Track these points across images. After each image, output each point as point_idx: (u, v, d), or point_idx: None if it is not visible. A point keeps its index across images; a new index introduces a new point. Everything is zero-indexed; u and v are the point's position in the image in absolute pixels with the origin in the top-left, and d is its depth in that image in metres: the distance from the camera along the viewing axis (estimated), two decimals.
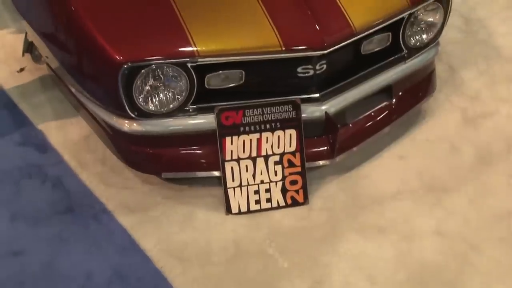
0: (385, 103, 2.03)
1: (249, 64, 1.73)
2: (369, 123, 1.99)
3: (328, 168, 1.98)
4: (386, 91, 2.02)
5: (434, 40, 2.06)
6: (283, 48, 1.70)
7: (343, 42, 1.77)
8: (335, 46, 1.75)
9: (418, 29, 2.01)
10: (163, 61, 1.63)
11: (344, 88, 1.89)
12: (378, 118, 2.01)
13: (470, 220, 1.88)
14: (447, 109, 2.31)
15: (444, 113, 2.29)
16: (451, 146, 2.15)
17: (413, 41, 2.00)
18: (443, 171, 2.04)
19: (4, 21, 2.71)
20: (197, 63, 1.65)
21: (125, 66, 1.59)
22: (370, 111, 2.00)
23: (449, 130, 2.22)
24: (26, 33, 2.28)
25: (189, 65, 1.65)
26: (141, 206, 1.87)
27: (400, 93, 2.05)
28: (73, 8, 1.69)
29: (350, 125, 1.94)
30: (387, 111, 2.03)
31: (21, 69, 2.42)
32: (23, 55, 2.43)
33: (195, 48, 1.64)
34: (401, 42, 1.96)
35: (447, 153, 2.12)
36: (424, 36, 2.02)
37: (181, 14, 1.68)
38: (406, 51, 1.99)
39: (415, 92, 2.14)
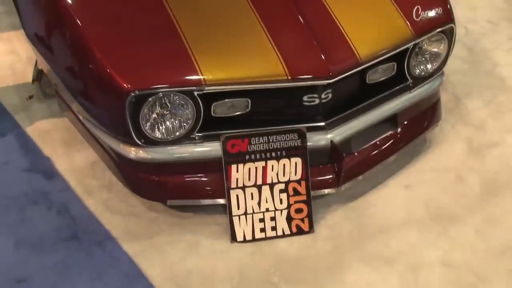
0: (390, 132, 2.04)
1: (255, 93, 1.75)
2: (374, 152, 1.99)
3: (333, 197, 1.98)
4: (392, 120, 2.03)
5: (439, 70, 2.08)
6: (289, 77, 1.71)
7: (348, 72, 1.79)
8: (340, 75, 1.77)
9: (423, 59, 2.03)
10: (170, 89, 1.65)
11: (350, 117, 1.90)
12: (383, 147, 2.01)
13: (477, 251, 1.86)
14: (453, 139, 2.31)
15: (450, 143, 2.29)
16: (457, 175, 2.14)
17: (418, 71, 2.02)
18: (449, 200, 2.03)
19: (15, 50, 2.76)
20: (204, 92, 1.67)
21: (133, 94, 1.61)
22: (376, 140, 2.01)
23: (455, 160, 2.21)
24: (36, 61, 2.32)
25: (195, 93, 1.67)
26: (146, 234, 1.87)
27: (406, 122, 2.06)
28: (82, 37, 1.72)
29: (356, 153, 1.94)
30: (392, 140, 2.04)
31: (30, 97, 2.46)
32: (32, 82, 2.47)
33: (201, 77, 1.66)
34: (406, 71, 1.98)
35: (453, 182, 2.11)
36: (429, 66, 2.04)
37: (188, 43, 1.71)
38: (411, 81, 2.01)
39: (421, 121, 2.15)
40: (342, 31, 1.84)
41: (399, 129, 2.05)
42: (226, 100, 1.74)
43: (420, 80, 2.03)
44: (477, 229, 1.93)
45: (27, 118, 2.34)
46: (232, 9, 1.84)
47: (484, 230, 1.92)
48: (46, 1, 1.89)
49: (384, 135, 2.03)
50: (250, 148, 1.79)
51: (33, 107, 2.40)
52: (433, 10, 1.96)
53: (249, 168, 1.79)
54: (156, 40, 1.73)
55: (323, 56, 1.76)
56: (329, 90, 1.80)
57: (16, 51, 2.75)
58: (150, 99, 1.64)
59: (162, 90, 1.64)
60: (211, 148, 1.77)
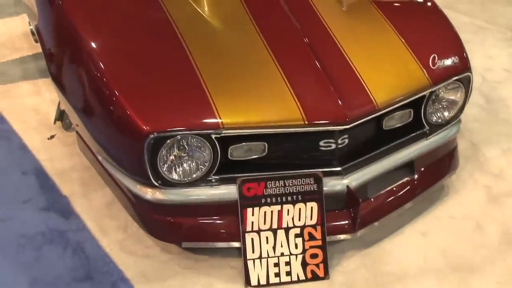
0: (407, 179, 2.02)
1: (272, 137, 1.76)
2: (391, 198, 1.98)
3: (349, 243, 1.95)
4: (408, 166, 2.02)
5: (455, 118, 2.08)
6: (306, 122, 1.73)
7: (365, 118, 1.80)
8: (357, 121, 1.78)
9: (440, 106, 2.04)
10: (188, 132, 1.67)
11: (366, 163, 1.90)
12: (400, 193, 2.00)
13: None
14: (471, 187, 2.29)
15: (468, 191, 2.26)
16: (475, 224, 2.10)
17: (435, 118, 2.03)
18: (468, 250, 1.99)
19: (40, 91, 2.84)
20: (221, 135, 1.69)
21: (151, 136, 1.63)
22: (392, 186, 1.99)
23: (473, 208, 2.18)
24: (59, 102, 2.39)
25: (213, 136, 1.69)
26: (160, 276, 1.85)
27: (422, 169, 2.05)
28: (103, 78, 1.76)
29: (372, 199, 1.93)
30: (409, 187, 2.02)
31: (52, 136, 2.51)
32: (54, 123, 2.53)
33: (219, 120, 1.68)
34: (423, 118, 1.98)
35: (472, 231, 2.07)
36: (446, 114, 2.05)
37: (207, 86, 1.74)
38: (428, 128, 2.01)
39: (438, 169, 2.14)
40: (359, 77, 1.86)
41: (416, 176, 2.03)
42: (243, 143, 1.75)
43: (437, 127, 2.04)
44: (498, 281, 1.87)
45: (48, 158, 2.38)
46: (251, 54, 1.88)
47: (505, 282, 1.87)
48: (70, 44, 1.95)
49: (400, 181, 2.01)
50: (266, 192, 1.79)
51: (54, 147, 2.45)
52: (450, 59, 1.98)
53: (265, 212, 1.79)
54: (175, 83, 1.77)
55: (340, 102, 1.77)
56: (346, 136, 1.81)
57: (41, 92, 2.83)
58: (168, 141, 1.66)
59: (180, 132, 1.66)
60: (227, 191, 1.77)
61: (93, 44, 1.84)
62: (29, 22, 2.72)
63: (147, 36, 1.90)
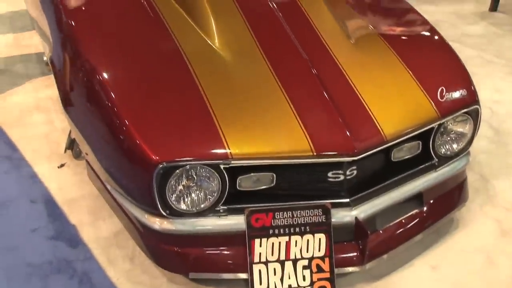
0: (416, 211, 2.01)
1: (280, 168, 1.77)
2: (400, 230, 1.96)
3: (357, 275, 1.93)
4: (417, 198, 2.00)
5: (464, 150, 2.07)
6: (314, 153, 1.73)
7: (373, 149, 1.81)
8: (365, 152, 1.78)
9: (448, 138, 2.04)
10: (197, 162, 1.68)
11: (375, 194, 1.89)
12: (409, 226, 1.98)
13: None
14: (481, 220, 2.26)
15: (478, 224, 2.24)
16: (487, 258, 2.07)
17: (444, 150, 2.03)
18: (479, 284, 1.96)
19: (51, 120, 2.88)
20: (230, 165, 1.70)
21: (161, 166, 1.64)
22: (401, 218, 1.98)
23: (484, 241, 2.15)
24: (70, 131, 2.42)
25: (222, 166, 1.69)
26: None
27: (432, 201, 2.04)
28: (114, 108, 1.77)
29: (381, 231, 1.91)
30: (418, 219, 2.01)
31: (62, 165, 2.53)
32: (65, 151, 2.56)
33: (228, 151, 1.69)
34: (431, 150, 1.98)
35: (483, 265, 2.04)
36: (455, 146, 2.05)
37: (216, 116, 1.75)
38: (437, 160, 2.01)
39: (447, 201, 2.12)
40: (367, 108, 1.87)
41: (425, 208, 2.02)
42: (252, 174, 1.76)
43: (445, 159, 2.03)
44: None
45: (57, 186, 2.40)
46: (260, 85, 1.90)
47: None
48: (82, 74, 1.98)
49: (409, 214, 2.00)
50: (274, 223, 1.78)
51: (63, 176, 2.47)
52: (458, 91, 1.99)
53: (273, 243, 1.78)
54: (185, 113, 1.78)
55: (348, 133, 1.78)
56: (354, 167, 1.81)
57: (52, 121, 2.87)
58: (177, 171, 1.67)
59: (189, 162, 1.67)
60: (235, 222, 1.77)
61: (105, 74, 1.87)
62: (44, 53, 2.78)
63: (157, 66, 1.93)
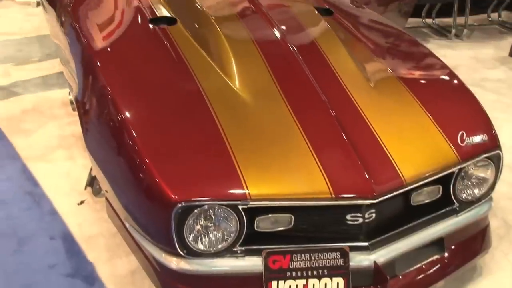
0: (436, 256, 1.97)
1: (298, 209, 1.76)
2: (420, 276, 1.91)
3: None
4: (438, 243, 1.96)
5: (486, 195, 2.04)
6: (333, 196, 1.72)
7: (392, 193, 1.79)
8: (384, 196, 1.77)
9: (469, 183, 2.01)
10: (215, 202, 1.68)
11: (394, 238, 1.86)
12: (430, 272, 1.93)
13: None
14: (505, 268, 2.20)
15: (503, 272, 2.18)
16: None
17: (465, 195, 2.00)
18: None
19: (73, 156, 2.93)
20: (248, 206, 1.70)
21: (179, 205, 1.65)
22: (422, 264, 1.94)
23: None
24: (91, 168, 2.45)
25: (240, 207, 1.69)
26: None
27: (453, 247, 2.00)
28: (135, 147, 1.80)
29: (400, 277, 1.87)
30: (439, 265, 1.96)
31: (81, 202, 2.56)
32: (85, 188, 2.58)
33: (247, 191, 1.69)
34: (452, 195, 1.96)
35: None
36: (476, 191, 2.02)
37: (235, 157, 1.76)
38: (458, 205, 1.98)
39: (469, 247, 2.08)
40: (386, 151, 1.86)
41: (446, 254, 1.98)
42: (270, 215, 1.75)
43: (467, 204, 2.00)
44: None
45: (76, 223, 2.41)
46: (279, 126, 1.91)
47: None
48: (105, 113, 2.02)
49: (430, 259, 1.95)
50: (291, 265, 1.76)
51: (83, 212, 2.49)
52: (478, 136, 1.98)
53: (290, 286, 1.75)
54: (205, 153, 1.79)
55: (367, 176, 1.77)
56: (373, 210, 1.79)
57: (74, 158, 2.92)
58: (196, 210, 1.68)
59: (208, 202, 1.67)
60: (252, 263, 1.75)
61: (127, 113, 1.91)
62: (69, 92, 2.85)
63: (179, 106, 1.97)
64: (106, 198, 2.24)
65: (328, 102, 1.99)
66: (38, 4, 5.36)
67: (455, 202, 1.97)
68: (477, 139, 1.98)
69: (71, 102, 2.73)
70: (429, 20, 5.53)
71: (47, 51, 4.43)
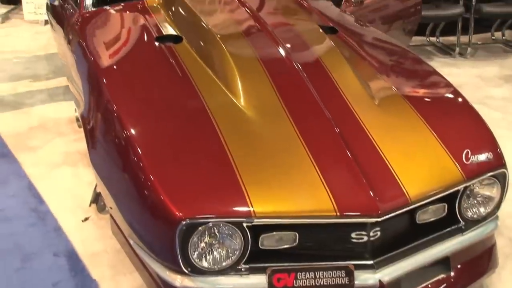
0: (442, 275, 1.94)
1: (303, 227, 1.75)
2: None
3: None
4: (444, 262, 1.95)
5: (492, 214, 2.03)
6: (338, 214, 1.72)
7: (397, 211, 1.78)
8: (389, 214, 1.76)
9: (475, 202, 2.00)
10: (220, 219, 1.68)
11: (399, 257, 1.84)
12: None
13: None
14: None
15: None
16: None
17: (470, 213, 1.98)
18: None
19: (78, 173, 2.94)
20: (253, 223, 1.69)
21: (184, 222, 1.65)
22: (427, 283, 1.92)
23: None
24: (96, 185, 2.46)
25: (245, 224, 1.69)
26: None
27: (459, 266, 1.98)
28: (139, 162, 1.81)
29: None
30: (445, 284, 1.94)
31: (86, 219, 2.56)
32: (90, 205, 2.59)
33: (251, 209, 1.68)
34: (457, 213, 1.95)
35: None
36: (482, 209, 2.00)
37: (240, 174, 1.76)
38: (463, 223, 1.96)
39: (475, 266, 2.06)
40: (391, 169, 1.86)
41: (452, 273, 1.96)
42: (274, 233, 1.74)
43: (473, 223, 1.98)
44: None
45: (80, 240, 2.41)
46: (283, 143, 1.91)
47: None
48: (110, 130, 2.04)
49: (436, 278, 1.93)
50: (296, 283, 1.74)
51: (87, 229, 2.49)
52: (483, 154, 1.97)
53: None
54: (209, 170, 1.80)
55: (372, 194, 1.76)
56: (378, 228, 1.78)
57: (79, 175, 2.93)
58: (200, 228, 1.67)
59: (212, 220, 1.67)
60: (257, 281, 1.73)
61: (132, 130, 1.92)
62: (75, 109, 2.88)
63: (184, 124, 1.98)
64: (111, 215, 2.24)
65: (332, 120, 1.99)
66: (46, 22, 5.44)
67: (461, 221, 1.96)
68: (482, 157, 1.97)
69: (77, 119, 2.75)
70: (433, 39, 5.57)
71: (54, 69, 4.48)
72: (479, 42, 5.58)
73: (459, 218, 1.95)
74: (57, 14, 3.36)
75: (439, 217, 1.93)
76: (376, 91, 2.24)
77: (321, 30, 2.56)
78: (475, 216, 1.99)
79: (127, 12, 2.82)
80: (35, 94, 4.02)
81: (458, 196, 1.92)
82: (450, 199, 1.92)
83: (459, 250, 1.95)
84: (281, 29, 2.51)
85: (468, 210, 1.98)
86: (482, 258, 2.08)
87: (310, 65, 2.29)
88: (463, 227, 1.96)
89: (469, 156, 1.95)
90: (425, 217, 1.91)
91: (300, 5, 2.99)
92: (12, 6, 6.32)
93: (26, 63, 4.65)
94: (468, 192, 1.95)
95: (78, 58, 2.56)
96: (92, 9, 2.88)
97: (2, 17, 5.92)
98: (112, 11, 2.85)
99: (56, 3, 3.21)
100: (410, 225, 1.91)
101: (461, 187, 1.90)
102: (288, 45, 2.37)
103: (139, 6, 2.83)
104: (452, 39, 5.37)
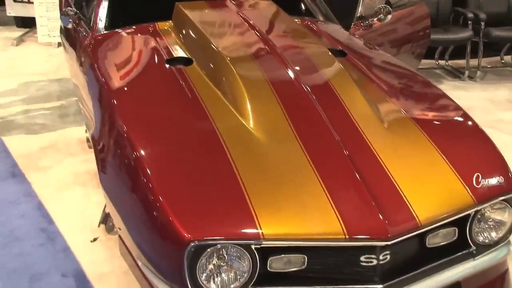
0: None
1: (312, 250, 1.74)
2: None
3: None
4: (455, 287, 1.92)
5: (504, 239, 1.99)
6: (347, 237, 1.71)
7: (407, 234, 1.76)
8: (399, 237, 1.74)
9: (486, 226, 1.97)
10: (229, 241, 1.67)
11: (409, 281, 1.82)
12: None
13: None
14: None
15: None
16: None
17: (482, 238, 1.96)
18: None
19: (87, 194, 2.95)
20: (261, 246, 1.68)
21: (192, 244, 1.64)
22: None
23: None
24: (105, 206, 2.46)
25: (253, 247, 1.68)
26: None
27: None
28: (148, 183, 1.81)
29: None
30: None
31: (95, 239, 2.56)
32: (99, 225, 2.59)
33: (260, 231, 1.68)
34: (468, 238, 1.92)
35: None
36: (493, 234, 1.98)
37: (249, 196, 1.76)
38: (475, 248, 1.94)
39: None
40: (401, 192, 1.85)
41: None
42: (283, 255, 1.73)
43: (484, 247, 1.96)
44: None
45: (88, 260, 2.41)
46: (293, 165, 1.91)
47: None
48: (120, 151, 2.05)
49: None
50: None
51: (95, 250, 2.49)
52: (494, 178, 1.95)
53: None
54: (218, 192, 1.80)
55: (381, 217, 1.75)
56: (388, 252, 1.77)
57: (88, 195, 2.94)
58: (208, 249, 1.67)
59: (221, 241, 1.66)
60: None
61: (142, 151, 1.93)
62: (85, 130, 2.91)
63: (193, 145, 1.98)
64: (119, 236, 2.24)
65: (341, 142, 1.99)
66: (59, 45, 5.53)
67: (472, 245, 1.94)
68: (493, 181, 1.95)
69: (88, 140, 2.77)
70: (442, 62, 5.58)
71: (65, 90, 4.54)
72: (488, 66, 5.58)
73: (470, 242, 1.93)
74: (70, 36, 3.41)
75: (450, 241, 1.91)
76: (385, 113, 2.24)
77: (330, 53, 2.57)
78: (487, 240, 1.97)
79: (139, 34, 2.86)
80: (46, 115, 4.07)
81: (469, 220, 1.91)
82: (461, 223, 1.90)
83: (471, 275, 1.92)
84: (290, 52, 2.53)
85: (479, 234, 1.96)
86: (494, 284, 2.05)
87: (319, 88, 2.30)
88: (474, 251, 1.94)
89: (479, 180, 1.93)
90: (435, 241, 1.89)
91: (309, 28, 3.02)
92: (27, 29, 6.44)
93: (38, 84, 4.72)
94: (479, 216, 1.93)
95: (89, 79, 2.59)
96: (104, 31, 2.93)
97: (17, 40, 6.03)
98: (123, 33, 2.90)
99: (70, 26, 3.26)
100: (420, 249, 1.89)
101: (472, 211, 1.89)
102: (297, 68, 2.39)
103: (150, 29, 2.87)
104: (461, 62, 5.38)
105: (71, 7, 3.37)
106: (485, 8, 5.31)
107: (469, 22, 5.13)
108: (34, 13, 5.76)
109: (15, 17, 6.50)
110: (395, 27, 3.87)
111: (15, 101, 4.32)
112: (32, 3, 5.83)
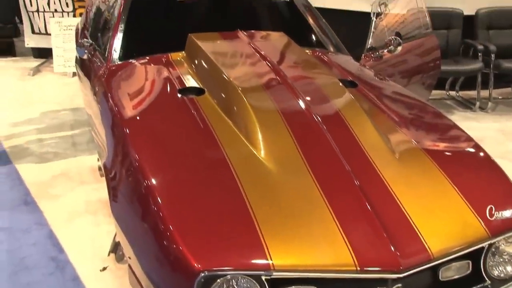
0: None
1: (323, 281, 1.71)
2: None
3: None
4: None
5: None
6: (358, 268, 1.69)
7: (419, 267, 1.74)
8: (411, 270, 1.72)
9: (501, 260, 1.94)
10: (239, 272, 1.66)
11: None
12: None
13: None
14: None
15: None
16: None
17: (497, 272, 1.92)
18: None
19: (98, 222, 2.95)
20: (271, 277, 1.67)
21: (202, 274, 1.63)
22: None
23: None
24: (115, 234, 2.46)
25: (263, 277, 1.66)
26: None
27: None
28: (159, 212, 1.81)
29: None
30: None
31: (104, 268, 2.55)
32: (108, 254, 2.58)
33: (270, 262, 1.66)
34: (482, 272, 1.89)
35: None
36: (509, 268, 1.94)
37: (260, 226, 1.75)
38: (490, 282, 1.90)
39: None
40: (412, 224, 1.83)
41: None
42: (293, 287, 1.71)
43: (500, 282, 1.92)
44: None
45: None
46: (303, 196, 1.90)
47: None
48: (131, 180, 2.06)
49: None
50: None
51: (105, 279, 2.47)
52: (508, 210, 1.93)
53: None
54: (229, 222, 1.79)
55: (393, 249, 1.73)
56: (400, 285, 1.74)
57: (99, 224, 2.94)
58: (218, 280, 1.65)
59: (231, 272, 1.65)
60: None
61: (153, 180, 1.94)
62: (97, 159, 2.92)
63: (204, 175, 1.99)
64: (129, 265, 2.22)
65: (352, 172, 1.99)
66: (74, 74, 5.64)
67: (487, 280, 1.90)
68: (507, 213, 1.93)
69: (99, 168, 2.79)
70: (452, 93, 5.58)
71: (79, 119, 4.60)
72: (499, 97, 5.57)
73: (485, 277, 1.89)
74: (85, 66, 3.48)
75: (463, 275, 1.88)
76: (396, 144, 2.24)
77: (340, 84, 2.59)
78: (502, 275, 1.93)
79: (152, 65, 2.91)
80: (59, 143, 4.11)
81: (483, 254, 1.88)
82: (475, 257, 1.87)
83: None
84: (301, 82, 2.55)
85: (494, 268, 1.92)
86: None
87: (330, 118, 2.31)
88: (489, 286, 1.90)
89: (493, 212, 1.91)
90: (448, 274, 1.85)
91: (320, 59, 3.05)
92: (43, 60, 6.59)
93: (53, 113, 4.79)
94: (493, 249, 1.90)
95: (103, 108, 2.63)
96: (118, 62, 2.98)
97: (34, 70, 6.17)
98: (137, 64, 2.95)
99: (85, 56, 3.33)
100: (433, 282, 1.85)
101: (485, 244, 1.86)
102: (308, 98, 2.40)
103: (163, 60, 2.92)
104: (471, 93, 5.37)
105: (87, 38, 3.45)
106: (494, 40, 5.34)
107: (479, 53, 5.15)
108: (51, 44, 5.89)
109: (33, 48, 6.65)
110: (405, 58, 3.89)
111: (29, 130, 4.39)
112: (50, 34, 5.97)
